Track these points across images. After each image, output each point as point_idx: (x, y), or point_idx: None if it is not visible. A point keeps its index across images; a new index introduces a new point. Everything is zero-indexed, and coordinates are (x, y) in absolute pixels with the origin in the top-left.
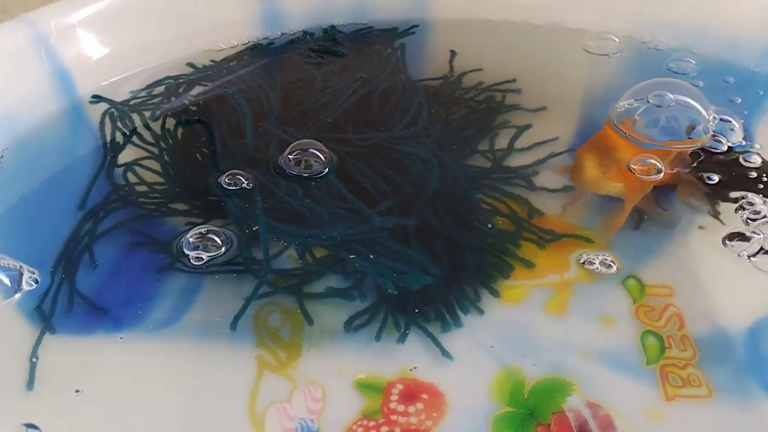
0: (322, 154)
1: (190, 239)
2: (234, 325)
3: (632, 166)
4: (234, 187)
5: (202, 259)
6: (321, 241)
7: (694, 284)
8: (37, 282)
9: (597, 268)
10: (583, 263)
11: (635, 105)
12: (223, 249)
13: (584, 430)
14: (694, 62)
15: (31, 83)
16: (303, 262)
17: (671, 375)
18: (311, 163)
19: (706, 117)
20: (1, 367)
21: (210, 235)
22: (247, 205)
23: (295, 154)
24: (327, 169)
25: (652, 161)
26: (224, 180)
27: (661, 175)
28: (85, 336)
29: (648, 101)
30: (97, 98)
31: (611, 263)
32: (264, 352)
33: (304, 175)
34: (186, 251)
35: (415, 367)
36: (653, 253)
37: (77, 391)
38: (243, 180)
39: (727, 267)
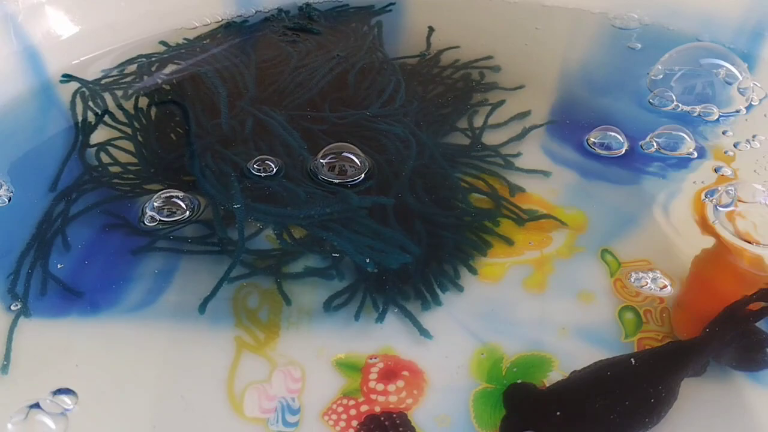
0: (357, 158)
1: (155, 203)
2: (203, 308)
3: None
4: (263, 174)
5: (156, 220)
6: (298, 221)
7: (671, 258)
8: (9, 200)
9: (649, 288)
10: (633, 281)
11: (671, 71)
12: (188, 213)
13: None
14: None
15: None
16: (281, 243)
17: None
18: (345, 168)
19: (740, 78)
20: None
21: (174, 200)
22: (223, 185)
23: (328, 158)
24: (363, 175)
25: None
26: (253, 166)
27: None
28: (59, 319)
29: (682, 68)
30: (68, 77)
31: (664, 281)
32: (242, 333)
33: (336, 181)
34: (148, 212)
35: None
36: (631, 227)
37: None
38: (273, 165)
39: (703, 240)
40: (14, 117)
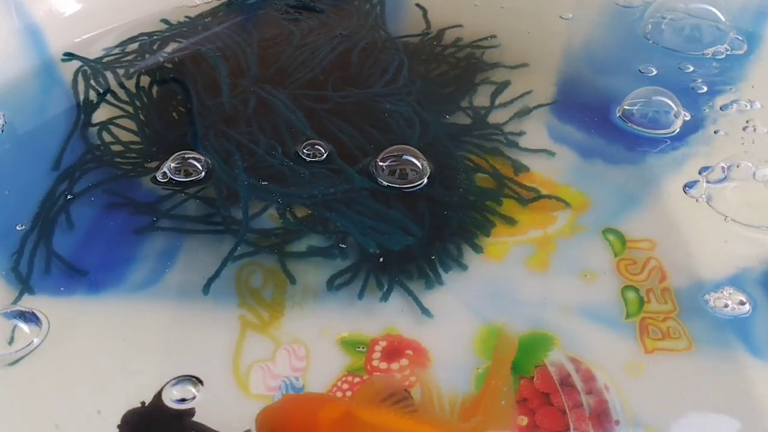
0: (419, 161)
1: (172, 163)
2: (207, 288)
3: None
4: (312, 159)
5: (166, 175)
6: (302, 200)
7: (674, 238)
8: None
9: (727, 304)
10: (712, 303)
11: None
12: (203, 174)
13: (567, 382)
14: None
15: (0, 41)
16: (284, 222)
17: (651, 328)
18: (407, 171)
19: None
20: None
21: (191, 161)
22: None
23: (389, 161)
24: (425, 180)
25: None
26: (303, 150)
27: None
28: (63, 297)
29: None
30: (70, 56)
31: (742, 300)
32: (246, 312)
33: (395, 185)
34: (163, 168)
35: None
36: (633, 206)
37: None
38: (322, 150)
39: (707, 220)
40: (16, 96)
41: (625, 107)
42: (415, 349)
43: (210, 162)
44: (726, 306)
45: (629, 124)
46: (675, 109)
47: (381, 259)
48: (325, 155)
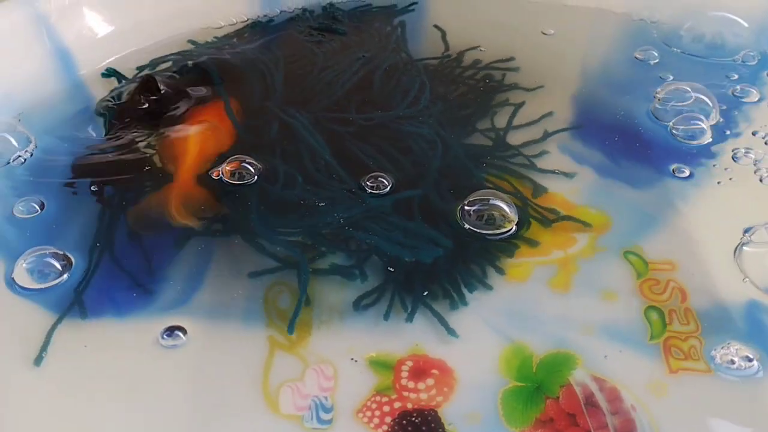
0: (507, 206)
1: (227, 167)
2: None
3: None
4: (376, 191)
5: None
6: (321, 227)
7: (696, 260)
8: (31, 155)
9: (735, 362)
10: (718, 360)
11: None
12: (256, 177)
13: (591, 401)
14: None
15: (32, 64)
16: (301, 252)
17: (674, 348)
18: (494, 217)
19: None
20: (13, 342)
21: (245, 164)
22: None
23: (477, 206)
24: (514, 226)
25: None
26: (367, 183)
27: None
28: (94, 319)
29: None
30: (110, 73)
31: (751, 357)
32: (275, 332)
33: (482, 231)
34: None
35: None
36: (654, 228)
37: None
38: (385, 182)
39: (727, 240)
40: (46, 118)
41: (651, 121)
42: (441, 368)
43: (262, 168)
44: (734, 363)
45: (653, 139)
46: (701, 125)
47: (408, 258)
48: (388, 187)
